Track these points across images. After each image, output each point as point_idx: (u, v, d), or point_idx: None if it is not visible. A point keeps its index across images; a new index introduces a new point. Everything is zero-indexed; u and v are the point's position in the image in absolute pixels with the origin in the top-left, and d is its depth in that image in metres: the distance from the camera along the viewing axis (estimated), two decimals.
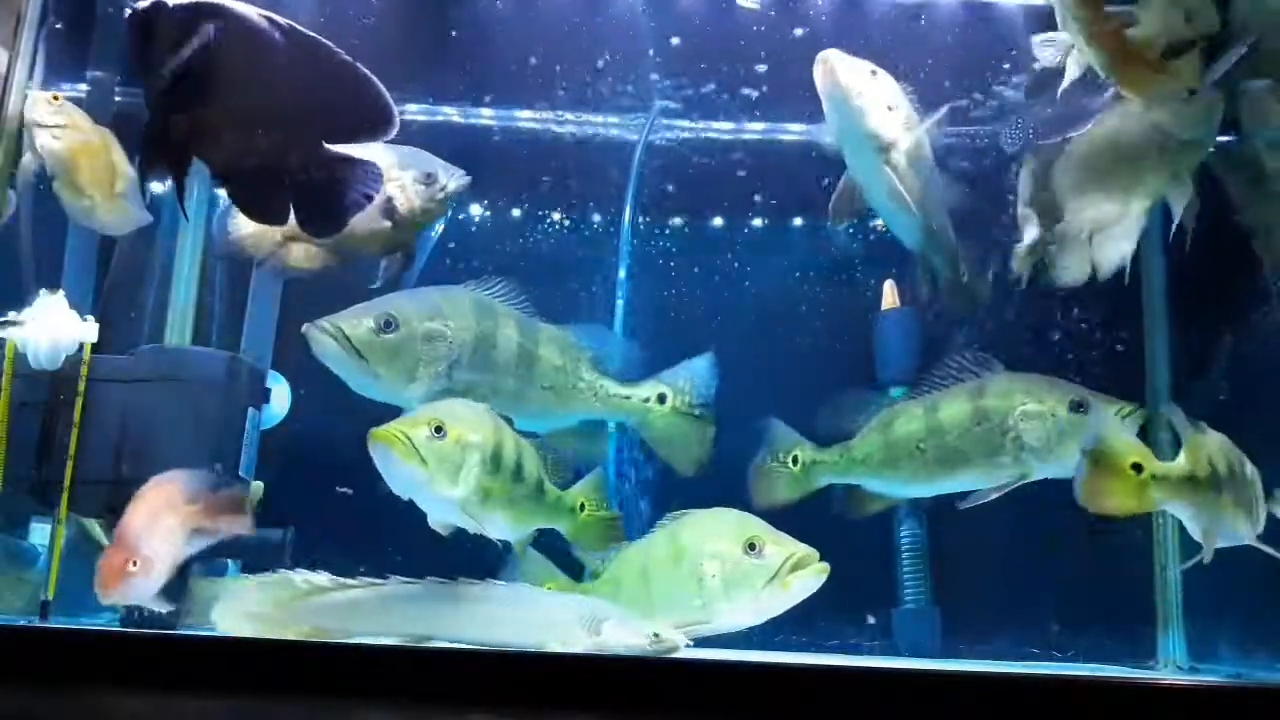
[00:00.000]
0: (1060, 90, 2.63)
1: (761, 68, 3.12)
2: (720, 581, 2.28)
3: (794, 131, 3.19)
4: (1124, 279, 2.52)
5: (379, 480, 2.16)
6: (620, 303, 3.10)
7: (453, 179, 2.67)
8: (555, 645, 2.06)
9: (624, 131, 3.21)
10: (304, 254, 2.62)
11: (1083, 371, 2.84)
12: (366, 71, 2.31)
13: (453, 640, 2.06)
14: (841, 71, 2.59)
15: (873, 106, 2.60)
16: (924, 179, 2.66)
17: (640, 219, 3.18)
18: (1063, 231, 2.54)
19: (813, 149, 2.83)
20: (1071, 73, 2.61)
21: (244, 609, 2.11)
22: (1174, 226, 2.54)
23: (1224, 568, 2.53)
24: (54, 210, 2.62)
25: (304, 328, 2.44)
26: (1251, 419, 2.57)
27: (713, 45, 3.13)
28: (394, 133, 2.34)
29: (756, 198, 3.21)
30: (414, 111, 3.15)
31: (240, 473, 2.42)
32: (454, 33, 3.14)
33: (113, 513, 2.35)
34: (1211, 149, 2.62)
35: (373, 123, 2.32)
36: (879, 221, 3.04)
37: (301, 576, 2.14)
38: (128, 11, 2.27)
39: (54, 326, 2.29)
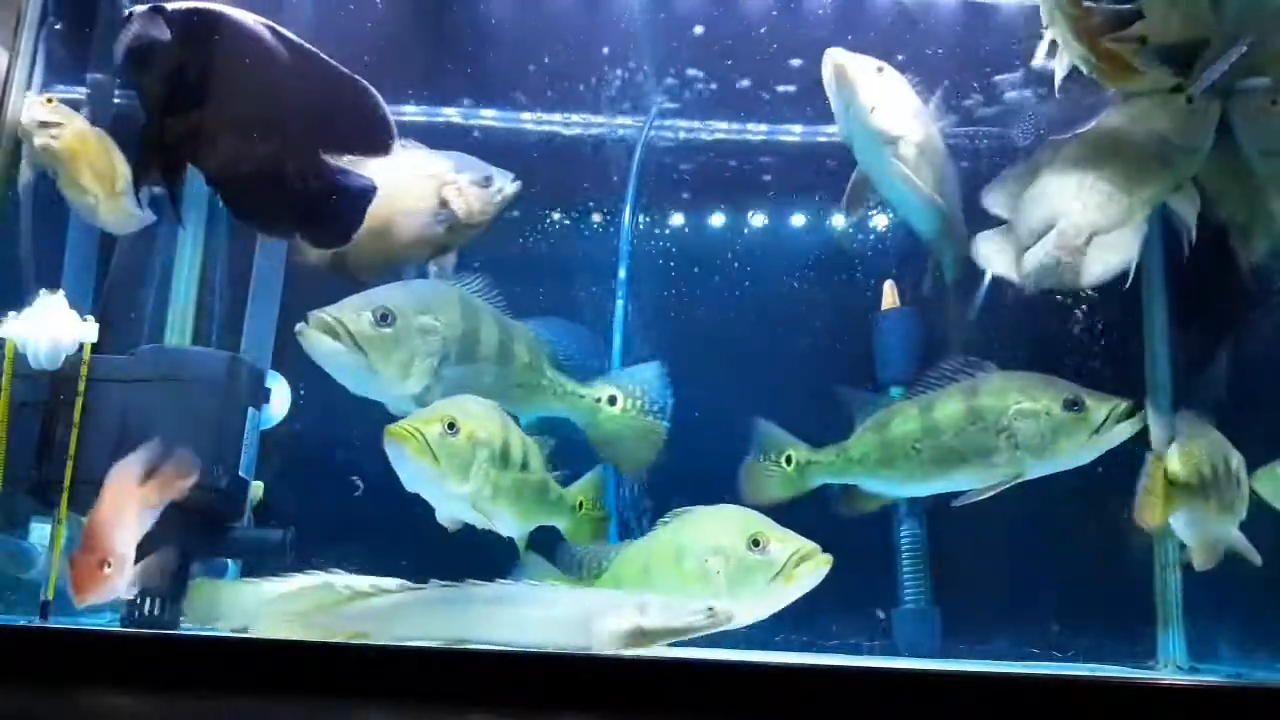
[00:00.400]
0: (1057, 86, 2.64)
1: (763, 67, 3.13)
2: (724, 578, 2.28)
3: (794, 131, 3.20)
4: (1126, 283, 2.53)
5: (376, 479, 2.17)
6: (620, 302, 3.11)
7: (508, 182, 2.69)
8: (606, 643, 2.03)
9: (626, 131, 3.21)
10: (355, 261, 2.62)
11: (1082, 369, 2.84)
12: (366, 84, 2.33)
13: (495, 643, 2.03)
14: (848, 69, 2.60)
15: (880, 102, 2.61)
16: (936, 168, 2.68)
17: (639, 219, 3.18)
18: (1062, 238, 2.54)
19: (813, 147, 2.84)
20: (1060, 68, 2.62)
21: (287, 612, 2.10)
22: (1188, 234, 2.57)
23: (1224, 568, 2.53)
24: (54, 211, 2.62)
25: (300, 325, 2.43)
26: (1246, 414, 2.58)
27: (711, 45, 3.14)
28: (393, 146, 2.36)
29: (755, 197, 3.22)
30: (414, 112, 3.15)
31: (240, 473, 2.42)
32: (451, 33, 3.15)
33: None
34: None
35: (371, 135, 2.33)
36: (877, 222, 3.06)
37: (343, 581, 2.14)
38: (125, 14, 2.28)
39: (54, 326, 2.29)
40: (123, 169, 2.59)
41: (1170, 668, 2.80)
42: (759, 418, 2.70)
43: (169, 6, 2.25)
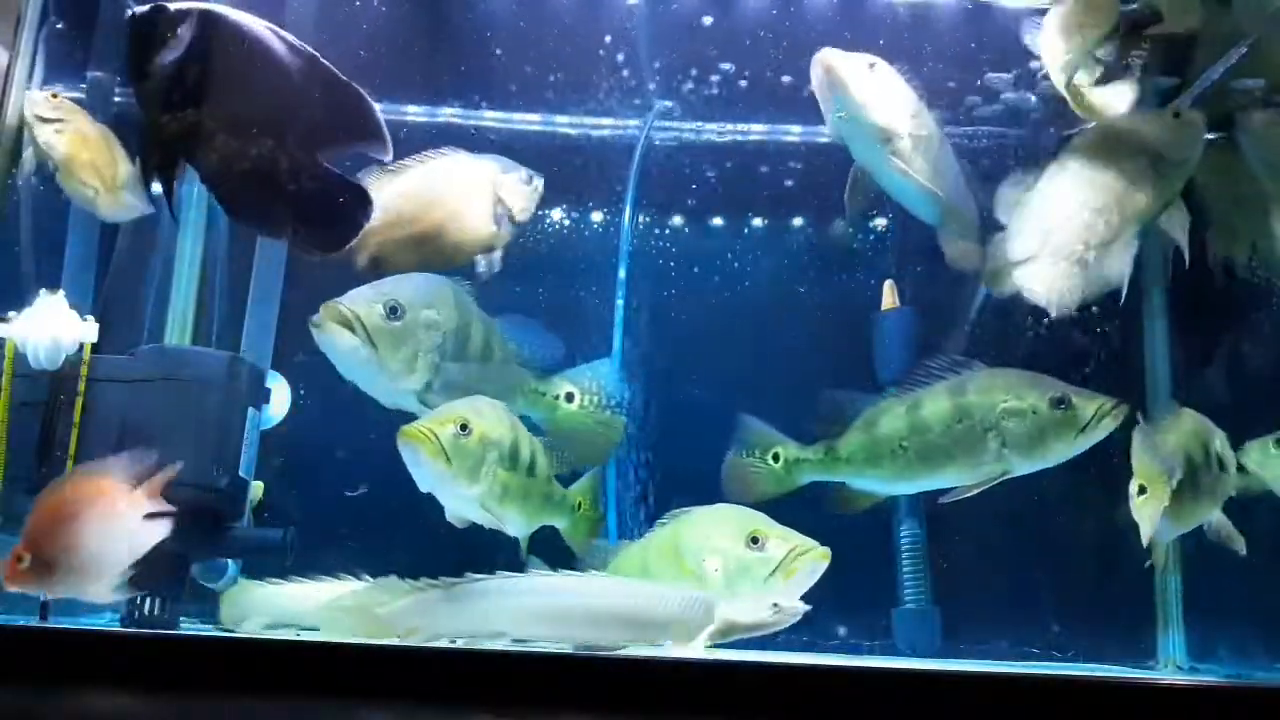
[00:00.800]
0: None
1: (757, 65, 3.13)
2: (723, 576, 2.28)
3: (794, 131, 3.20)
4: (1120, 300, 2.54)
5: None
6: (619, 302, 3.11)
7: (540, 180, 2.77)
8: (676, 641, 2.04)
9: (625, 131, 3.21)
10: (414, 260, 2.67)
11: (1082, 370, 2.84)
12: (360, 89, 2.34)
13: (557, 642, 2.05)
14: (838, 70, 2.60)
15: (872, 101, 2.61)
16: (933, 159, 2.68)
17: (638, 219, 3.18)
18: (1055, 252, 2.55)
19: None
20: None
21: (347, 611, 2.11)
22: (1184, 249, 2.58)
23: (1224, 568, 2.53)
24: (54, 210, 2.62)
25: (315, 317, 2.41)
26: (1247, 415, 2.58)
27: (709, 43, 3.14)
28: (388, 152, 2.37)
29: (753, 197, 3.22)
30: (416, 113, 3.16)
31: (240, 473, 2.42)
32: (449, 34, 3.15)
33: None
34: None
35: (364, 140, 2.35)
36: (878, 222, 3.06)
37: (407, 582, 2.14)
38: (128, 14, 2.29)
39: (54, 326, 2.29)
40: (124, 163, 2.60)
41: (1170, 668, 2.80)
42: (744, 414, 2.70)
43: (171, 6, 2.25)
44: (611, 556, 2.52)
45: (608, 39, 3.11)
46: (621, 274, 3.11)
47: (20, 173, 2.59)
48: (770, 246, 3.24)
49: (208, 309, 2.85)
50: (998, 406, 2.53)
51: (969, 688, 1.77)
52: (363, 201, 2.41)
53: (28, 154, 2.59)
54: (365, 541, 2.80)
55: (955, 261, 2.72)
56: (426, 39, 3.12)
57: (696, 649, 2.03)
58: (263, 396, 2.52)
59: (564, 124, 3.21)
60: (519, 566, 2.41)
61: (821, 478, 2.69)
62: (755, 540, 2.30)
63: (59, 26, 2.73)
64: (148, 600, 2.31)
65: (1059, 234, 2.54)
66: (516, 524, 2.42)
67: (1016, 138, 2.94)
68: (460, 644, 2.06)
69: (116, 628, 2.29)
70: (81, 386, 2.31)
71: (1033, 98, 2.93)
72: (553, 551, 2.53)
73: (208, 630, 2.39)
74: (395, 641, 2.05)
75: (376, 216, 2.49)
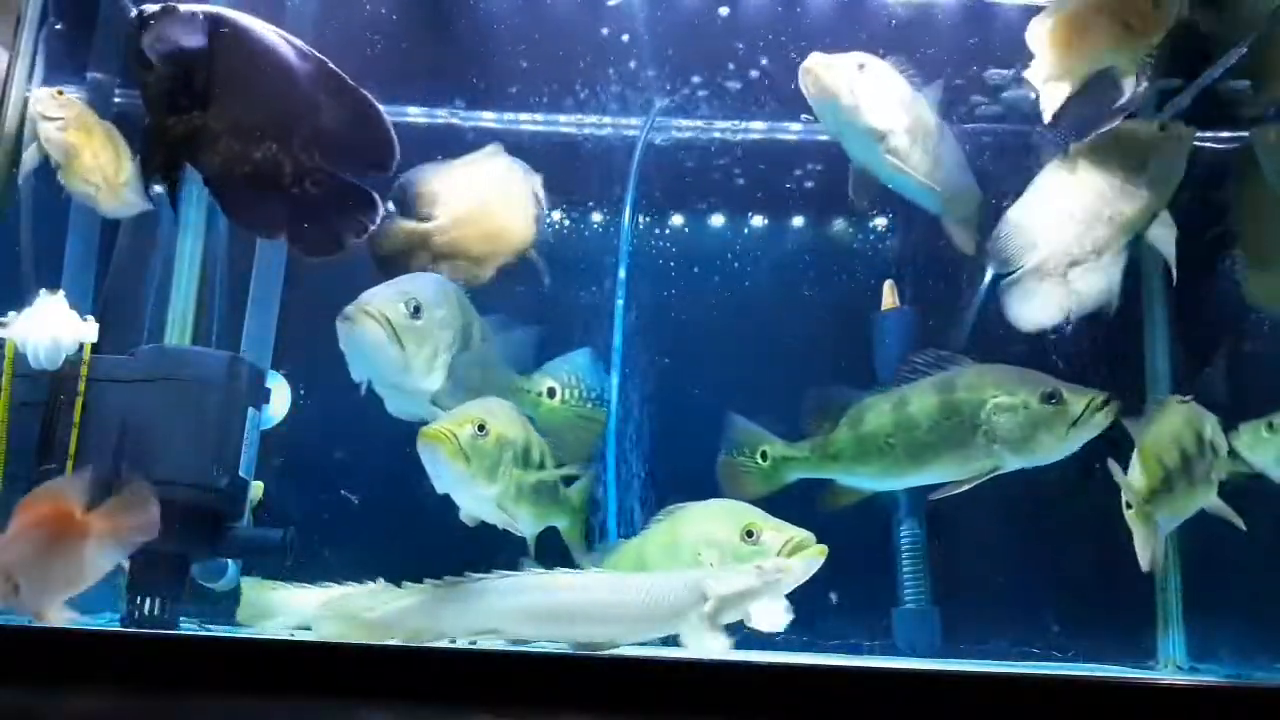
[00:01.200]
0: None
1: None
2: (718, 569, 2.28)
3: (792, 130, 3.20)
4: (1110, 313, 2.54)
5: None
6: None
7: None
8: (675, 627, 2.04)
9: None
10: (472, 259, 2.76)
11: (1081, 369, 2.84)
12: (371, 98, 2.35)
13: (550, 641, 2.05)
14: (825, 76, 2.59)
15: (863, 102, 2.61)
16: (931, 147, 2.68)
17: (638, 218, 3.19)
18: (1040, 267, 2.55)
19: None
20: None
21: (335, 618, 2.11)
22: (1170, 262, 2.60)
23: (1224, 568, 2.53)
24: (54, 210, 2.62)
25: (345, 313, 2.38)
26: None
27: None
28: (394, 160, 2.38)
29: (750, 196, 3.22)
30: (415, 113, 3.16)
31: (240, 473, 2.42)
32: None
33: None
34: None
35: (373, 148, 2.36)
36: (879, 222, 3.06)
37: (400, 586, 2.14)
38: (134, 14, 2.29)
39: (54, 326, 2.29)
40: (126, 160, 2.61)
41: (1170, 668, 2.80)
42: (732, 413, 2.69)
43: (180, 8, 2.26)
44: (609, 553, 2.52)
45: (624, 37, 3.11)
46: (621, 274, 3.12)
47: (21, 171, 2.59)
48: (770, 246, 3.24)
49: (208, 309, 2.86)
50: (988, 402, 2.52)
51: (969, 688, 1.77)
52: (369, 205, 2.41)
53: (29, 151, 2.59)
54: (366, 542, 2.80)
55: (959, 246, 2.72)
56: (426, 38, 3.12)
57: (719, 641, 2.02)
58: (263, 396, 2.52)
59: (563, 123, 3.21)
60: (518, 566, 2.42)
61: (810, 475, 2.69)
62: (750, 534, 2.30)
63: (59, 26, 2.73)
64: (148, 600, 2.31)
65: (1043, 249, 2.56)
66: (527, 523, 2.43)
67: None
68: (460, 644, 2.06)
69: (116, 628, 2.29)
70: (81, 386, 2.31)
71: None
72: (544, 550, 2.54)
73: (224, 631, 2.39)
74: (395, 641, 2.05)
75: (443, 213, 2.50)
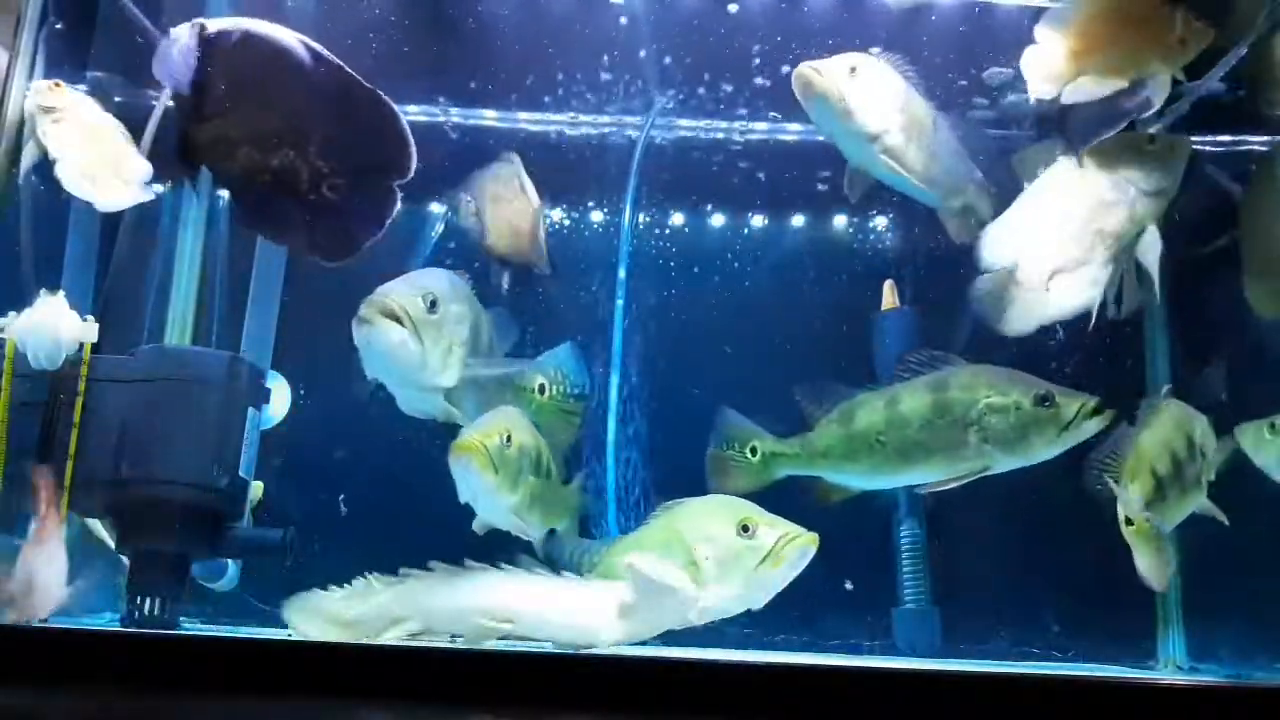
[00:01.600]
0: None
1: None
2: (714, 563, 2.28)
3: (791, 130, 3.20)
4: (1090, 324, 2.54)
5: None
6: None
7: None
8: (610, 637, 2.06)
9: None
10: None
11: (1081, 368, 2.84)
12: (394, 107, 2.36)
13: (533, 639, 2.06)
14: (816, 82, 2.59)
15: (855, 105, 2.60)
16: (927, 144, 2.67)
17: (638, 218, 3.19)
18: (1023, 277, 2.55)
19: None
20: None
21: (332, 617, 2.12)
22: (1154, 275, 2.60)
23: (1224, 568, 2.53)
24: (54, 210, 2.62)
25: (363, 311, 2.34)
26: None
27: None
28: (411, 170, 2.40)
29: (750, 196, 3.22)
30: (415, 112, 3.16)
31: (240, 473, 2.42)
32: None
33: (112, 512, 2.37)
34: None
35: (391, 156, 2.37)
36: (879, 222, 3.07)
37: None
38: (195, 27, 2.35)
39: (54, 327, 2.29)
40: (124, 155, 2.60)
41: (1170, 668, 2.80)
42: (724, 407, 2.69)
43: (210, 25, 2.32)
44: (607, 549, 2.52)
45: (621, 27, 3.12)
46: (621, 274, 3.12)
47: (21, 168, 2.59)
48: (770, 246, 3.24)
49: (208, 309, 2.86)
50: (980, 402, 2.52)
51: (969, 688, 1.77)
52: (385, 209, 2.42)
53: (29, 147, 2.59)
54: (366, 544, 2.80)
55: (957, 238, 2.72)
56: (426, 37, 3.12)
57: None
58: (263, 396, 2.52)
59: (562, 121, 3.21)
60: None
61: (800, 472, 2.68)
62: (746, 528, 2.30)
63: (59, 26, 2.73)
64: (148, 600, 2.31)
65: (1027, 257, 2.56)
66: (536, 528, 2.44)
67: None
68: (460, 644, 2.06)
69: (116, 628, 2.29)
70: (81, 386, 2.31)
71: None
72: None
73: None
74: (395, 641, 2.05)
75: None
